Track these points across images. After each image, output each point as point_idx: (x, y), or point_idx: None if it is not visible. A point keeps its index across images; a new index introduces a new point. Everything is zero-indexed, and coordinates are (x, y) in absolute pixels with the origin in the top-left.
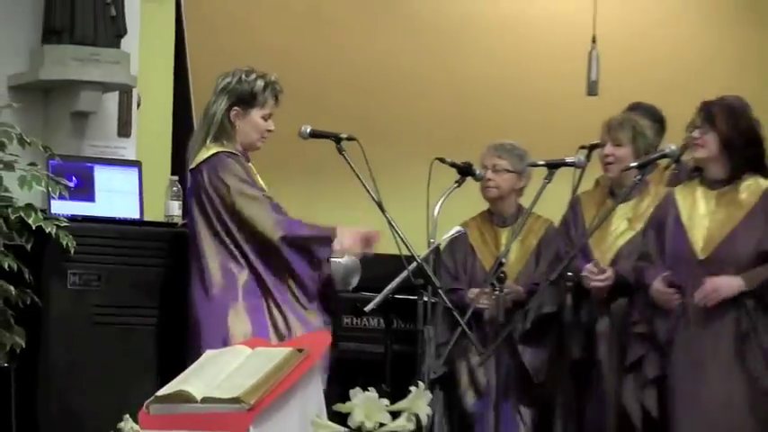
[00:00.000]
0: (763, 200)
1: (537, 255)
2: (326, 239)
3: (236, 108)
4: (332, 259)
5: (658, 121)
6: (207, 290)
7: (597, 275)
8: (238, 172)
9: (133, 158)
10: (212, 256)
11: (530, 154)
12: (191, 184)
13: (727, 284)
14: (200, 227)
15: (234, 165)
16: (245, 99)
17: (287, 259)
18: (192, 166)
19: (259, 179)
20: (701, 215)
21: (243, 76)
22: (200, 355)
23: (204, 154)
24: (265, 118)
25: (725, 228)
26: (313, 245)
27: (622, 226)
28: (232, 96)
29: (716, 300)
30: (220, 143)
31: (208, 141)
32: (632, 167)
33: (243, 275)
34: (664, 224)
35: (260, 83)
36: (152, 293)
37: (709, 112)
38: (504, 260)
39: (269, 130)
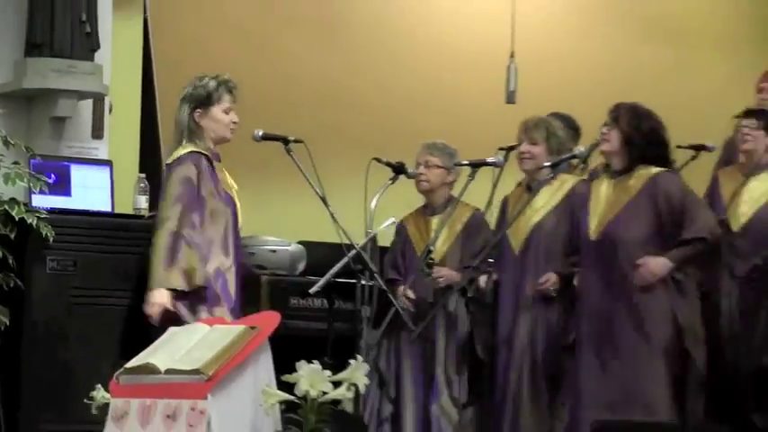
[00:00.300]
0: (649, 185)
1: (463, 239)
2: None
3: (198, 110)
4: (280, 247)
5: (573, 128)
6: None
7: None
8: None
9: (105, 158)
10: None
11: (457, 154)
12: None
13: (663, 264)
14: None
15: (190, 167)
16: (202, 100)
17: None
18: (169, 161)
19: (227, 176)
20: (600, 202)
21: (197, 82)
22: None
23: (180, 151)
24: (226, 111)
25: (612, 211)
26: None
27: (535, 216)
28: (192, 101)
29: (653, 280)
30: (194, 143)
31: (183, 142)
32: (546, 167)
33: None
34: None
35: (212, 83)
36: (122, 277)
37: (616, 113)
38: (432, 247)
39: (234, 122)
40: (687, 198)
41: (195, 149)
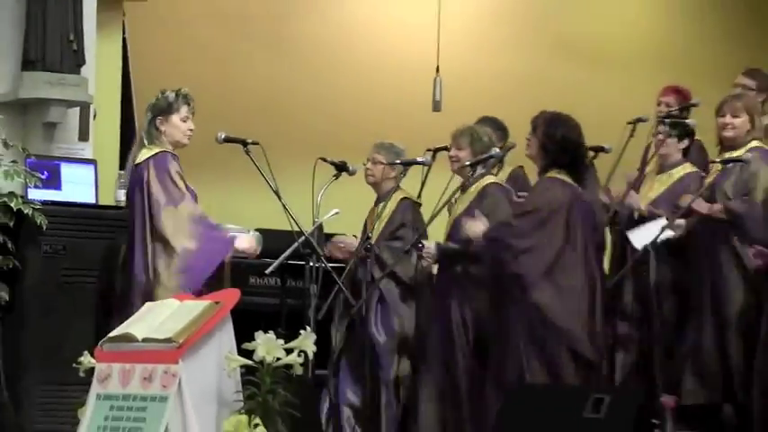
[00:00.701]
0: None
1: (387, 222)
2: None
3: (159, 118)
4: (240, 234)
5: (501, 129)
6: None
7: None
8: (174, 167)
9: (90, 157)
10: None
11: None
12: (136, 176)
13: (474, 225)
14: (145, 208)
15: (172, 162)
16: (163, 109)
17: None
18: (139, 161)
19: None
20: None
21: (159, 95)
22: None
23: (147, 153)
24: (184, 120)
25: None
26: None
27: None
28: (155, 110)
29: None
30: (156, 145)
31: (146, 144)
32: (466, 165)
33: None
34: None
35: (172, 95)
36: (107, 258)
37: (535, 122)
38: (370, 234)
39: (190, 130)
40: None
41: (164, 149)
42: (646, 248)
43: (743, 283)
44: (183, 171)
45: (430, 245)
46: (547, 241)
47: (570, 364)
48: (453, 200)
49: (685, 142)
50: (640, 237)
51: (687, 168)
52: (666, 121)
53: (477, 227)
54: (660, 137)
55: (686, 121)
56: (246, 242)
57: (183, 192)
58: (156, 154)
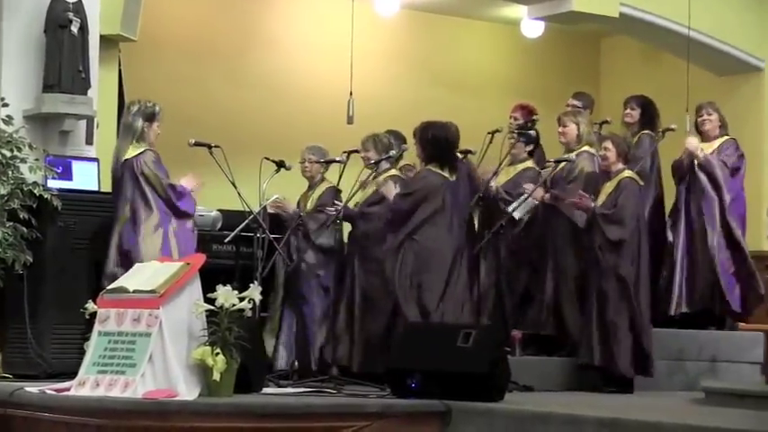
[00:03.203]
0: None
1: (319, 203)
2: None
3: (146, 122)
4: (206, 213)
5: (400, 138)
6: (135, 229)
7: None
8: (158, 163)
9: (94, 156)
10: (142, 210)
11: (328, 152)
12: (127, 168)
13: (389, 189)
14: (137, 194)
15: (157, 158)
16: (149, 117)
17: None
18: (128, 156)
19: None
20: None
21: (147, 103)
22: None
23: (135, 150)
24: (158, 127)
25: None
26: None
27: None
28: (144, 116)
29: None
30: (140, 144)
31: (134, 142)
32: (371, 164)
33: (153, 219)
34: None
35: (156, 107)
36: (105, 231)
37: (415, 131)
38: (302, 211)
39: (158, 135)
40: None
41: (149, 148)
42: (510, 217)
43: (573, 244)
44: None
45: (339, 204)
46: (419, 212)
47: (415, 308)
48: (365, 185)
49: (530, 147)
50: (515, 208)
51: (527, 164)
52: (516, 131)
53: (390, 190)
54: (512, 141)
55: (530, 132)
56: (190, 182)
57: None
58: (144, 151)
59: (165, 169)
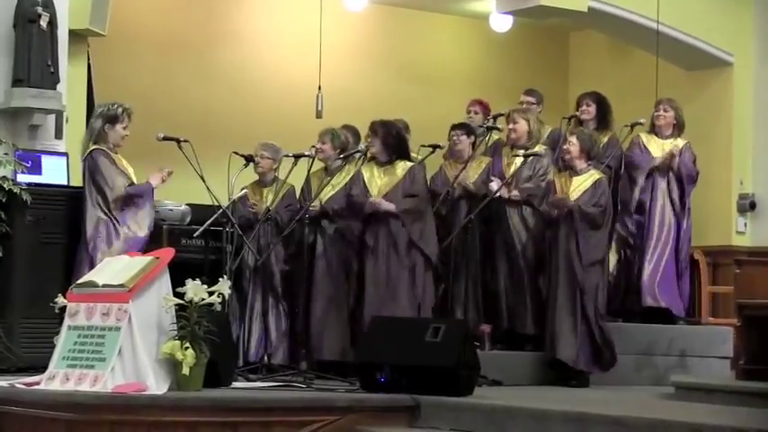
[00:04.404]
0: (409, 173)
1: (281, 202)
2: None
3: (107, 124)
4: (175, 207)
5: (356, 134)
6: (96, 225)
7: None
8: (104, 164)
9: (63, 151)
10: (94, 207)
11: (282, 149)
12: (85, 166)
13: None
14: (91, 190)
15: (103, 159)
16: (111, 119)
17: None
18: (85, 155)
19: (124, 162)
20: (375, 181)
21: (111, 106)
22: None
23: (88, 149)
24: (123, 128)
25: (388, 187)
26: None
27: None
28: (104, 118)
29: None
30: (98, 143)
31: (91, 143)
32: (339, 158)
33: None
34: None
35: (120, 109)
36: (74, 225)
37: (374, 127)
38: (270, 207)
39: (126, 135)
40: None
41: (98, 147)
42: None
43: (530, 239)
44: (117, 160)
45: (316, 204)
46: None
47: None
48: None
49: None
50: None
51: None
52: (484, 126)
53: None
54: (455, 138)
55: (497, 126)
56: (156, 178)
57: (111, 176)
58: (93, 151)
59: (114, 168)
